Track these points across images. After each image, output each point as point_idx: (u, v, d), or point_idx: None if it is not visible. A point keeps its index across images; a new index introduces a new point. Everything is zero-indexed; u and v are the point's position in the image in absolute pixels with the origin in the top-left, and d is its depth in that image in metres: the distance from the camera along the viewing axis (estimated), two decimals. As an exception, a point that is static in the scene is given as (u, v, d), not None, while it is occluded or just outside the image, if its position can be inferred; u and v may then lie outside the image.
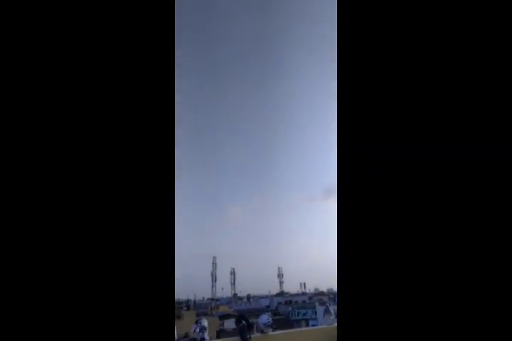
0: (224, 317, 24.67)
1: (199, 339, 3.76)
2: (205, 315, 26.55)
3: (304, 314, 28.47)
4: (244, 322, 4.12)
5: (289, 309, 31.14)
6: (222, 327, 22.40)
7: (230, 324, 21.06)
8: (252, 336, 4.01)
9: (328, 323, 5.03)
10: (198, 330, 3.85)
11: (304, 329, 4.81)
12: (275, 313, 28.69)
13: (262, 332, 4.25)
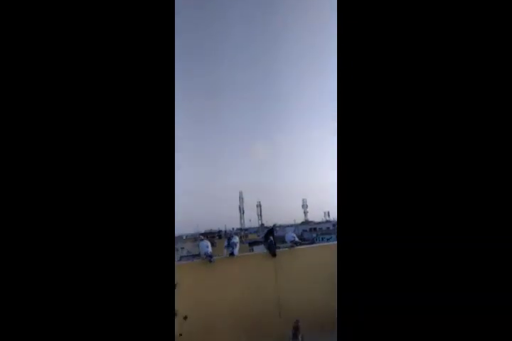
0: (253, 243, 26.61)
1: (229, 253, 4.07)
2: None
3: (328, 239, 30.11)
4: (271, 238, 4.39)
5: (314, 235, 32.97)
6: (251, 252, 24.20)
7: (258, 249, 22.72)
8: (278, 250, 4.32)
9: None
10: (228, 245, 4.14)
11: (327, 243, 5.09)
12: (300, 239, 30.38)
13: (288, 247, 4.55)
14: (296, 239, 4.69)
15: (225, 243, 4.24)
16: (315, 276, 4.46)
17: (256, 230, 48.60)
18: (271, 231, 4.53)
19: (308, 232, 35.98)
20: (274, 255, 4.23)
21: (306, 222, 49.73)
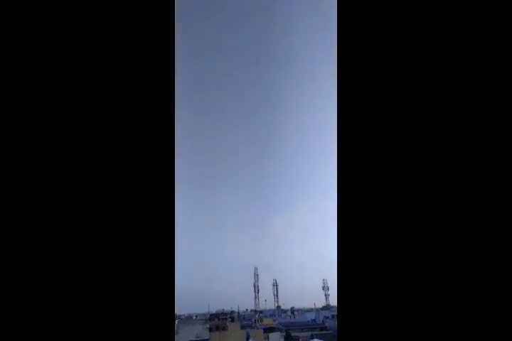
0: (268, 330, 23.99)
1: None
2: (250, 327, 26.01)
3: (354, 330, 26.84)
4: None
5: (336, 323, 29.59)
6: (267, 340, 21.80)
7: (275, 337, 20.45)
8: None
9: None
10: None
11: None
12: (322, 328, 27.41)
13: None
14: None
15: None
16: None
17: (272, 313, 44.46)
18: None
19: (331, 319, 32.41)
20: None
21: (327, 307, 45.33)
